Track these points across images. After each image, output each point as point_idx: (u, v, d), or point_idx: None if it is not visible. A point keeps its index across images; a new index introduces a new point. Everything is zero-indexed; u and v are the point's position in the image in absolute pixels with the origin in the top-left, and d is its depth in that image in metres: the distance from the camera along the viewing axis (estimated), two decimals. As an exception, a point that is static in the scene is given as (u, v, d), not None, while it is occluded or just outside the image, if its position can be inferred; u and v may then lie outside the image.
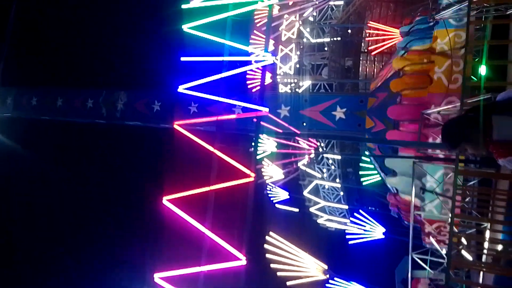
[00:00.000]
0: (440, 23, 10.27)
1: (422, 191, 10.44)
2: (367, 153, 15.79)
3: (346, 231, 17.42)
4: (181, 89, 9.83)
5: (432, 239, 11.30)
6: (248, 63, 9.51)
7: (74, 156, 20.72)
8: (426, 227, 10.65)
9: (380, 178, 16.10)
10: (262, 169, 17.25)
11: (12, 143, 18.43)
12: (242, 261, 7.79)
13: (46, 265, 19.52)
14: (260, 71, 9.72)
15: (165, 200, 8.81)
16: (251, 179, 8.12)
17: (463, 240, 9.74)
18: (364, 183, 18.53)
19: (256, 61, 9.28)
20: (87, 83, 18.69)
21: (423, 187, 10.11)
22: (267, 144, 16.31)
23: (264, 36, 15.76)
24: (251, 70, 12.17)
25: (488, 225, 9.17)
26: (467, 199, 9.93)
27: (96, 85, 17.80)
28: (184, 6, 9.28)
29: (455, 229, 8.96)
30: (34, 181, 20.66)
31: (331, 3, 17.02)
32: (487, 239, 9.63)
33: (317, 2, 16.04)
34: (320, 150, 17.61)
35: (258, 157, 15.22)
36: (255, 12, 15.27)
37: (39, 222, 20.59)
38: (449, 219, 8.55)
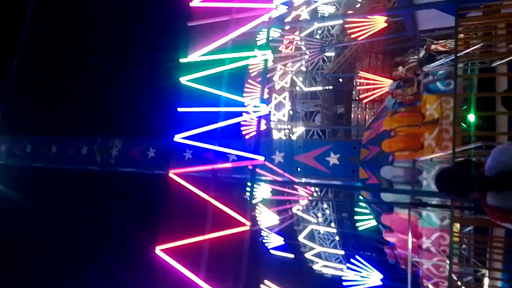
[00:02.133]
0: (428, 88, 10.70)
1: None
2: (361, 197, 15.82)
3: (343, 278, 17.04)
4: (177, 138, 9.99)
5: (430, 286, 11.10)
6: (244, 113, 9.78)
7: (67, 203, 20.48)
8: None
9: (375, 224, 16.03)
10: (257, 215, 17.12)
11: (4, 190, 18.22)
12: (238, 314, 7.57)
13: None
14: (256, 120, 9.95)
15: (158, 250, 8.66)
16: (247, 227, 8.07)
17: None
18: (359, 228, 18.40)
19: (252, 112, 9.56)
20: (82, 131, 18.90)
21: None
22: (261, 190, 16.31)
23: (258, 86, 16.37)
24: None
25: (487, 272, 9.07)
26: (463, 246, 9.89)
27: (91, 132, 18.01)
28: (182, 60, 9.68)
29: (454, 277, 8.86)
30: (26, 228, 20.23)
31: (323, 55, 17.82)
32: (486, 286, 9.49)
33: (308, 53, 16.79)
34: (315, 195, 17.62)
35: (253, 201, 15.18)
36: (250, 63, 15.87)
37: (29, 268, 19.95)
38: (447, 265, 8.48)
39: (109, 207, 19.37)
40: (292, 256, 18.68)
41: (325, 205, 19.15)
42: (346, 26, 16.36)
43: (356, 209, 18.45)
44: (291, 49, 18.49)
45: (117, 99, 20.03)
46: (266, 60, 9.37)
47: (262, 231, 17.79)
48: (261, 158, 8.90)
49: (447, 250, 9.15)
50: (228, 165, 9.73)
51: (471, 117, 10.73)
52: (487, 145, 9.18)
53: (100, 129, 19.15)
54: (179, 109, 9.80)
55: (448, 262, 8.50)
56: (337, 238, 18.93)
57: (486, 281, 9.09)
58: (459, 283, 8.90)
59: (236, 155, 11.74)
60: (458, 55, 9.31)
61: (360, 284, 16.07)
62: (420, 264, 10.65)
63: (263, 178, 12.06)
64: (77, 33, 21.58)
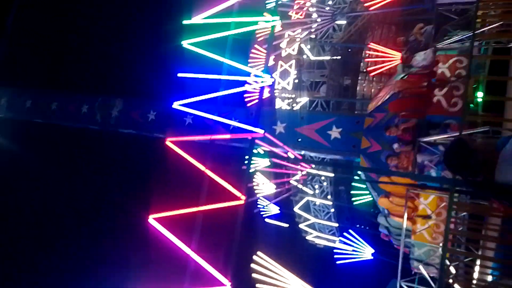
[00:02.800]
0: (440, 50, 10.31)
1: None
2: (359, 172, 15.73)
3: (335, 250, 17.29)
4: (176, 105, 9.72)
5: (421, 267, 11.24)
6: (246, 82, 9.44)
7: (64, 160, 20.49)
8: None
9: (371, 198, 16.04)
10: (254, 185, 17.10)
11: (3, 142, 18.20)
12: (227, 287, 7.63)
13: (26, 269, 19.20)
14: (258, 90, 9.63)
15: (151, 219, 8.64)
16: (241, 201, 7.99)
17: (452, 269, 9.66)
18: (355, 203, 18.48)
19: (255, 82, 9.22)
20: (83, 88, 18.59)
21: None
22: (260, 160, 16.18)
23: (264, 52, 15.81)
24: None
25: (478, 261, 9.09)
26: (460, 228, 9.87)
27: (92, 91, 17.71)
28: (185, 22, 9.21)
29: (447, 262, 8.88)
30: (22, 182, 20.39)
31: (334, 23, 17.06)
32: (476, 272, 9.56)
33: (319, 20, 16.09)
34: (313, 167, 17.52)
35: (250, 171, 15.07)
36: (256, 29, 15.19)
37: (22, 223, 20.28)
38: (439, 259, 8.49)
39: (106, 168, 19.38)
40: (286, 225, 18.89)
41: (322, 177, 19.11)
42: (360, -7, 15.56)
43: (354, 183, 18.45)
44: (301, 15, 17.71)
45: (119, 59, 19.54)
46: (273, 27, 8.90)
47: (258, 200, 17.86)
48: (260, 131, 8.67)
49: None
50: (227, 136, 9.52)
51: (479, 95, 10.44)
52: (494, 130, 8.96)
53: (101, 87, 18.83)
54: (180, 75, 9.45)
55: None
56: (332, 210, 19.05)
57: (476, 268, 9.13)
58: (451, 268, 8.93)
59: (237, 122, 11.50)
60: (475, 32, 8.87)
61: (351, 258, 16.32)
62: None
63: (262, 149, 11.89)
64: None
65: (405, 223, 10.09)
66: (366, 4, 15.65)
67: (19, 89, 18.41)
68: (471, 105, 10.64)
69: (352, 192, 18.47)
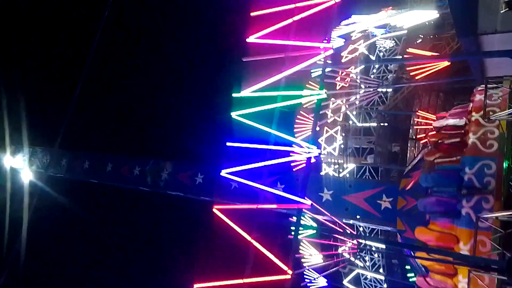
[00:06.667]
0: None
1: None
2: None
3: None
4: (223, 173, 9.90)
5: None
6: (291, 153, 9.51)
7: (114, 219, 21.07)
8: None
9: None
10: (301, 252, 16.38)
11: (59, 200, 19.22)
12: None
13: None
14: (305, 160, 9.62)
15: (195, 288, 8.45)
16: (288, 276, 7.63)
17: None
18: (411, 279, 16.97)
19: (301, 153, 9.26)
20: (137, 151, 19.57)
21: None
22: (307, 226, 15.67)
23: (310, 119, 16.03)
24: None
25: None
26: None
27: (145, 153, 18.60)
28: (235, 95, 9.69)
29: None
30: (73, 238, 21.07)
31: (379, 90, 17.17)
32: None
33: (363, 87, 16.27)
34: (362, 242, 16.60)
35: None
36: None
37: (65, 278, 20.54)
38: None
39: (153, 230, 19.64)
40: (335, 299, 17.62)
41: (373, 248, 17.95)
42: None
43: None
44: (346, 82, 18.04)
45: (172, 125, 20.72)
46: (320, 100, 9.10)
47: (306, 270, 17.00)
48: (308, 203, 8.50)
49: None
50: (273, 206, 9.42)
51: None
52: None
53: (153, 150, 19.76)
54: (228, 144, 9.74)
55: None
56: (385, 285, 17.60)
57: None
58: None
59: (283, 189, 11.41)
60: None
61: None
62: None
63: (308, 217, 11.59)
64: (141, 62, 22.82)
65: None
66: (412, 73, 15.70)
67: (78, 151, 19.83)
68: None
69: (407, 267, 17.06)
